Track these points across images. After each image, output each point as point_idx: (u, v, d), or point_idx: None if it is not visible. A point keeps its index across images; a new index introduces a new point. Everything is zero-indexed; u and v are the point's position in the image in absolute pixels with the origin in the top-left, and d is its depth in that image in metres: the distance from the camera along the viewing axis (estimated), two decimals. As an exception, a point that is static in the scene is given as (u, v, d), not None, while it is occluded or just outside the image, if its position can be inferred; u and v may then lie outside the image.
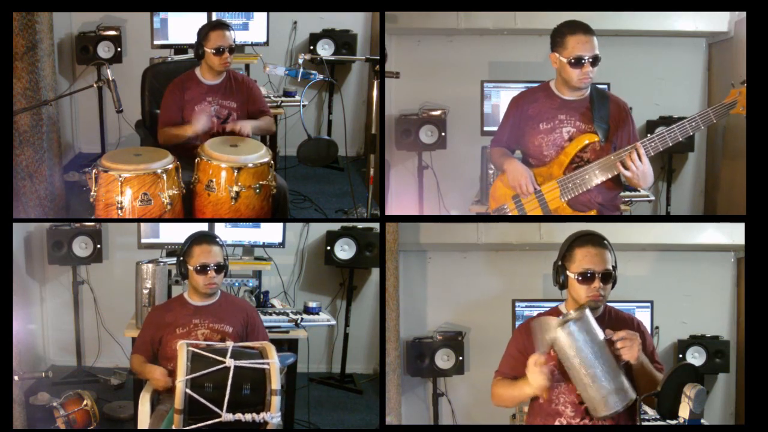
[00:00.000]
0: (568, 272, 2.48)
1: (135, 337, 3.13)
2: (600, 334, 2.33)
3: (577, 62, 2.83)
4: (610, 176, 2.86)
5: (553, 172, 2.93)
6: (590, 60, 2.83)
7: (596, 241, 2.49)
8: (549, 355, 2.32)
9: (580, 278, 2.45)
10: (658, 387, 2.33)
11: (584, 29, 2.86)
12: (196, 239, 2.96)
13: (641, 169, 2.78)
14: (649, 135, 2.84)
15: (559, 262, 2.52)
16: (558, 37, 2.89)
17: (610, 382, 2.29)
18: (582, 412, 2.42)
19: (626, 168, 2.79)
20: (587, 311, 2.35)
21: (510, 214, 3.02)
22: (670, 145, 2.80)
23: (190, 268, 2.93)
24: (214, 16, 4.31)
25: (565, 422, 2.45)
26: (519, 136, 3.03)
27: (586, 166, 2.88)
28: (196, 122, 3.43)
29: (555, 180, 2.92)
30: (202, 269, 2.91)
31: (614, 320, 2.53)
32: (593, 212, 2.94)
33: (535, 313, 3.53)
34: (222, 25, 3.49)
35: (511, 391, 2.50)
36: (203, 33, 3.48)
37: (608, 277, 2.45)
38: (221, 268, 2.93)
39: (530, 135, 2.97)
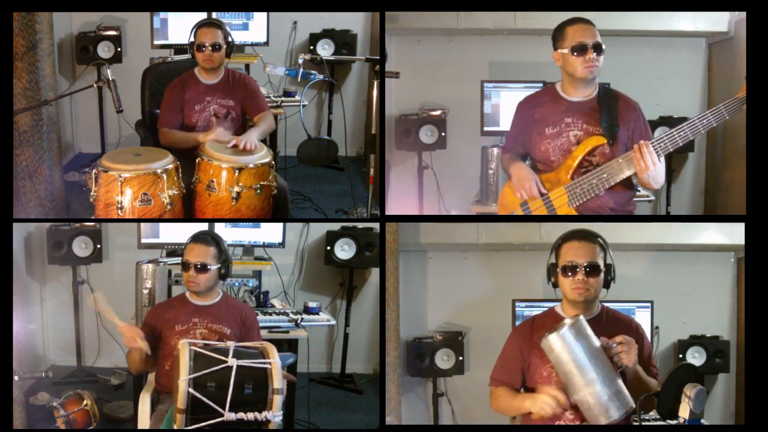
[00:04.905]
0: (557, 269, 2.49)
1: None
2: (595, 341, 2.31)
3: (580, 49, 2.73)
4: (618, 180, 2.74)
5: (561, 177, 2.82)
6: (593, 46, 2.73)
7: (582, 235, 2.47)
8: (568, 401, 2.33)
9: (563, 271, 2.45)
10: (658, 387, 2.33)
11: (583, 20, 2.78)
12: (192, 237, 2.98)
13: (652, 168, 2.65)
14: (659, 135, 2.71)
15: (551, 261, 2.52)
16: (557, 32, 2.82)
17: (607, 387, 2.28)
18: (580, 415, 2.40)
19: (638, 165, 2.66)
20: (581, 318, 2.34)
21: None
22: (681, 144, 2.68)
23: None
24: (214, 16, 4.30)
25: (563, 423, 2.44)
26: (526, 142, 2.93)
27: (594, 171, 2.77)
28: (209, 132, 3.39)
29: (563, 186, 2.82)
30: (184, 266, 2.93)
31: (612, 322, 2.52)
32: None
33: (535, 313, 3.55)
34: (207, 23, 3.50)
35: (511, 403, 2.50)
36: (192, 30, 3.51)
37: (594, 270, 2.42)
38: (203, 269, 2.90)
39: (537, 140, 2.87)
